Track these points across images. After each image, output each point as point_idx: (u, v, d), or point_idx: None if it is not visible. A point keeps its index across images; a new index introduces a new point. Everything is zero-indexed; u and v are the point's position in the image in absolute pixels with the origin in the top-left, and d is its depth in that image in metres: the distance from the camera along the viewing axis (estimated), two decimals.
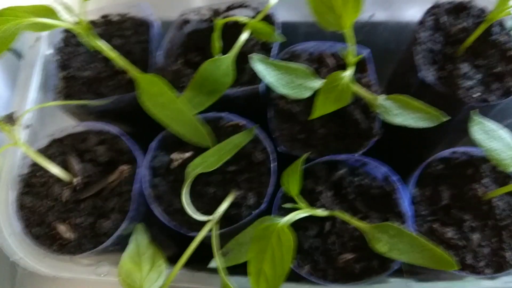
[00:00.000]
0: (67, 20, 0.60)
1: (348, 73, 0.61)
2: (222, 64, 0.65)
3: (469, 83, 0.70)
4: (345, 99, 0.61)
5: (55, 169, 0.65)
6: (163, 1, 0.87)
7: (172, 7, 0.83)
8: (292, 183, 0.59)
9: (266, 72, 0.62)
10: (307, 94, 0.63)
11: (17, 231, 0.67)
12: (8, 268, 0.93)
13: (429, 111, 0.61)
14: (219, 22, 0.67)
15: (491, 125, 0.60)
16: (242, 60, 0.72)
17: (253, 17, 0.75)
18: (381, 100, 0.62)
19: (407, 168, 0.71)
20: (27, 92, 0.78)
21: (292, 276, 0.60)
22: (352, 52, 0.60)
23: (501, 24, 0.75)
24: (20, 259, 0.67)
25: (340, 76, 0.60)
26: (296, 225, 0.62)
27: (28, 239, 0.65)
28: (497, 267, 0.63)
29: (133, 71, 0.62)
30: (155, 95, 0.61)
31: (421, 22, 0.76)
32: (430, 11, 0.77)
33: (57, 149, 0.71)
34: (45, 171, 0.67)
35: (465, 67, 0.71)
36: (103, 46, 0.63)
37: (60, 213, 0.66)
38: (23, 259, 0.67)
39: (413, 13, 0.86)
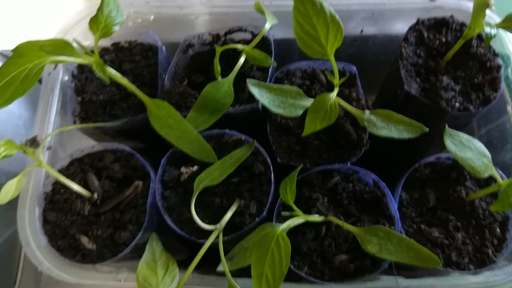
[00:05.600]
0: (81, 53, 0.65)
1: (333, 94, 0.66)
2: (223, 86, 0.70)
3: (451, 93, 0.75)
4: (331, 118, 0.66)
5: (76, 186, 0.71)
6: (167, 27, 0.92)
7: (175, 32, 0.89)
8: (289, 192, 0.64)
9: (261, 94, 0.68)
10: (299, 112, 0.68)
11: (43, 243, 0.73)
12: (33, 275, 1.00)
13: (411, 123, 0.65)
14: (218, 49, 0.73)
15: (464, 135, 0.64)
16: (241, 80, 0.77)
17: (251, 40, 0.81)
18: (367, 115, 0.67)
19: (396, 173, 0.76)
20: (48, 116, 0.83)
21: (293, 277, 0.65)
22: (336, 74, 0.65)
23: (479, 37, 0.79)
24: (47, 268, 0.72)
25: (327, 97, 0.65)
26: (295, 230, 0.67)
27: (54, 250, 0.71)
28: (480, 263, 0.68)
29: (143, 97, 0.67)
30: (164, 117, 0.66)
31: (406, 38, 0.81)
32: (414, 27, 0.82)
33: (77, 168, 0.76)
34: (67, 188, 0.73)
35: (446, 79, 0.76)
36: (116, 74, 0.68)
37: (82, 226, 0.72)
38: (50, 268, 0.72)
39: (400, 27, 0.91)
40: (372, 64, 0.95)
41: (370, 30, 0.94)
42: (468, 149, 0.63)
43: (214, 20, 0.91)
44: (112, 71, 0.67)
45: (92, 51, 0.66)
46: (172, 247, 0.70)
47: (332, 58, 0.60)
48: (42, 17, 1.05)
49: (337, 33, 0.56)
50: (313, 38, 0.57)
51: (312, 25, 0.56)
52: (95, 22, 0.65)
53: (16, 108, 1.01)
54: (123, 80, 0.69)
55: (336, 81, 0.65)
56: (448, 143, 0.63)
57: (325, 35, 0.56)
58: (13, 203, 0.71)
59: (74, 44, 0.64)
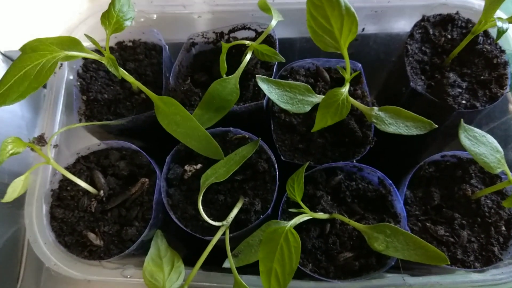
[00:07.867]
0: (90, 50, 0.64)
1: (345, 89, 0.65)
2: (229, 84, 0.70)
3: (457, 90, 0.75)
4: (343, 113, 0.65)
5: (82, 184, 0.72)
6: (170, 26, 0.92)
7: (177, 31, 0.89)
8: (297, 189, 0.64)
9: (270, 90, 0.67)
10: (307, 108, 0.68)
11: (51, 240, 0.73)
12: (36, 272, 1.01)
13: (420, 119, 0.65)
14: (225, 45, 0.73)
15: (478, 131, 0.64)
16: (246, 78, 0.78)
17: (254, 38, 0.80)
18: (376, 111, 0.67)
19: (401, 171, 0.76)
20: (54, 114, 0.83)
21: (297, 274, 0.64)
22: (348, 69, 0.65)
23: (486, 34, 0.79)
24: (54, 265, 0.72)
25: (338, 92, 0.64)
26: (300, 228, 0.68)
27: (61, 247, 0.72)
28: (486, 261, 0.68)
29: (151, 94, 0.67)
30: (171, 114, 0.65)
31: (411, 35, 0.81)
32: (419, 24, 0.82)
33: (83, 165, 0.77)
34: (74, 186, 0.74)
35: (453, 76, 0.76)
36: (125, 73, 0.67)
37: (89, 223, 0.72)
38: (57, 264, 0.72)
39: (402, 25, 0.91)
40: (372, 63, 0.95)
41: (371, 28, 0.94)
42: (482, 145, 0.63)
43: (216, 19, 0.91)
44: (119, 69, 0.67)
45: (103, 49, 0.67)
46: (172, 247, 0.70)
47: (345, 52, 0.59)
48: (43, 17, 1.05)
49: (351, 26, 0.55)
50: (326, 31, 0.56)
51: (326, 18, 0.55)
52: (106, 17, 0.65)
53: (19, 108, 1.01)
54: (131, 78, 0.69)
55: (348, 75, 0.64)
56: (463, 137, 0.63)
57: (339, 28, 0.56)
58: (15, 202, 0.71)
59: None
